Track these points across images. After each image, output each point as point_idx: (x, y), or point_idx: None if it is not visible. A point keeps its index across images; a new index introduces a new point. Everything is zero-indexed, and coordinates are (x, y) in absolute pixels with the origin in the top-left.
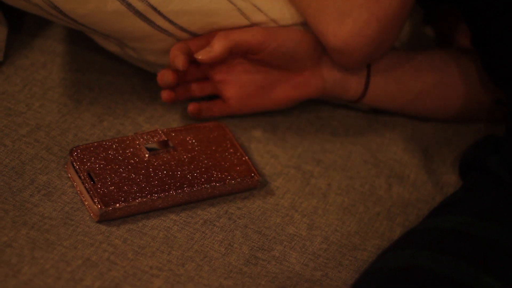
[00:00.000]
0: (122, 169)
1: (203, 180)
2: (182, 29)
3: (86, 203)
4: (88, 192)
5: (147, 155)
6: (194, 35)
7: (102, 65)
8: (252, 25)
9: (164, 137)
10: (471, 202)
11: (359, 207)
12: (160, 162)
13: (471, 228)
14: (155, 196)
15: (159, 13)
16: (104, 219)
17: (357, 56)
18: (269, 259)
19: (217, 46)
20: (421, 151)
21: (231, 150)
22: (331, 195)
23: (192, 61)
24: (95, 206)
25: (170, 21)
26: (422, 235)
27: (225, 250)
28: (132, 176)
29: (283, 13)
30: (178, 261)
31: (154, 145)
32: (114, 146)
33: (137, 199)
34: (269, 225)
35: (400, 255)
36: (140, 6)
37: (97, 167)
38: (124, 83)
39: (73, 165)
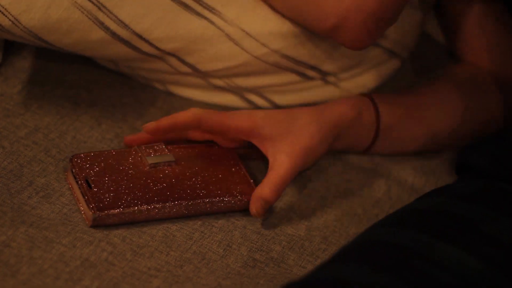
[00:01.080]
0: (121, 178)
1: (201, 194)
2: (169, 54)
3: (82, 209)
4: (84, 197)
5: (147, 167)
6: (183, 61)
7: (101, 67)
8: (242, 50)
9: (166, 151)
10: (453, 189)
11: (358, 209)
12: (161, 175)
13: (444, 206)
14: (152, 206)
15: (145, 40)
16: (98, 224)
17: (358, 32)
18: (267, 262)
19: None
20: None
21: (234, 169)
22: (329, 198)
23: None
24: (90, 212)
25: (157, 48)
26: (395, 215)
27: (223, 251)
28: (131, 185)
29: (273, 37)
30: (177, 262)
31: (156, 159)
32: (115, 156)
33: (133, 207)
34: (267, 226)
35: (368, 233)
36: (125, 34)
37: (96, 174)
38: (123, 85)
39: (72, 171)
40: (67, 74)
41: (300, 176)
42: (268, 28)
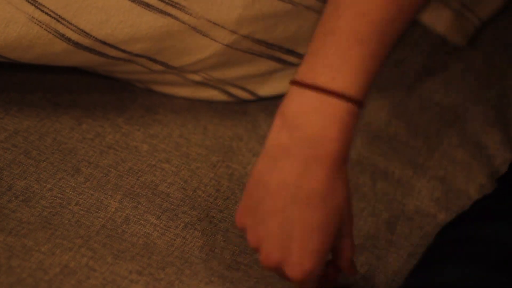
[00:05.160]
0: None
1: None
2: (139, 55)
3: None
4: None
5: None
6: (154, 60)
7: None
8: (211, 40)
9: None
10: None
11: None
12: None
13: None
14: None
15: (109, 45)
16: None
17: None
18: (250, 264)
19: None
20: (407, 145)
21: None
22: None
23: None
24: None
25: (123, 51)
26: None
27: (206, 256)
28: None
29: (241, 22)
30: (159, 265)
31: None
32: None
33: None
34: None
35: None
36: (87, 42)
37: None
38: (103, 83)
39: None
40: (47, 74)
41: None
42: (236, 15)
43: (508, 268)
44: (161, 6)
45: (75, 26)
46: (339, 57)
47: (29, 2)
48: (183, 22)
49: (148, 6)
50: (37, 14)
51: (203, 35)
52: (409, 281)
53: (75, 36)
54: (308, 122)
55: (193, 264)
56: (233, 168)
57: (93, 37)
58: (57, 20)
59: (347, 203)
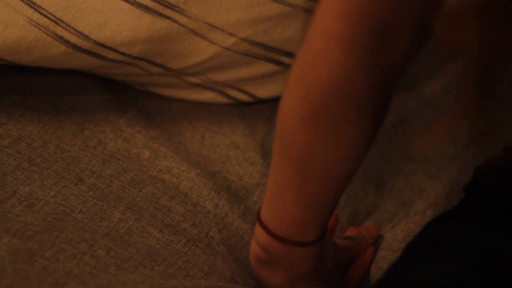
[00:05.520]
0: None
1: None
2: (138, 58)
3: None
4: None
5: None
6: (152, 62)
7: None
8: (210, 43)
9: None
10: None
11: (341, 219)
12: None
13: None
14: None
15: (108, 48)
16: None
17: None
18: (250, 284)
19: None
20: (401, 153)
21: None
22: None
23: None
24: None
25: (122, 53)
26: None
27: (208, 268)
28: None
29: (240, 25)
30: (161, 277)
31: None
32: None
33: None
34: (246, 255)
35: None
36: (86, 45)
37: None
38: (104, 84)
39: None
40: (47, 75)
41: None
42: (234, 17)
43: (483, 267)
44: (160, 9)
45: (74, 29)
46: (294, 220)
47: (28, 4)
48: (182, 25)
49: (147, 8)
50: (36, 16)
51: (201, 37)
52: (384, 279)
53: (74, 39)
54: (284, 259)
55: (195, 278)
56: (230, 180)
57: (92, 39)
58: (56, 23)
59: (337, 264)
